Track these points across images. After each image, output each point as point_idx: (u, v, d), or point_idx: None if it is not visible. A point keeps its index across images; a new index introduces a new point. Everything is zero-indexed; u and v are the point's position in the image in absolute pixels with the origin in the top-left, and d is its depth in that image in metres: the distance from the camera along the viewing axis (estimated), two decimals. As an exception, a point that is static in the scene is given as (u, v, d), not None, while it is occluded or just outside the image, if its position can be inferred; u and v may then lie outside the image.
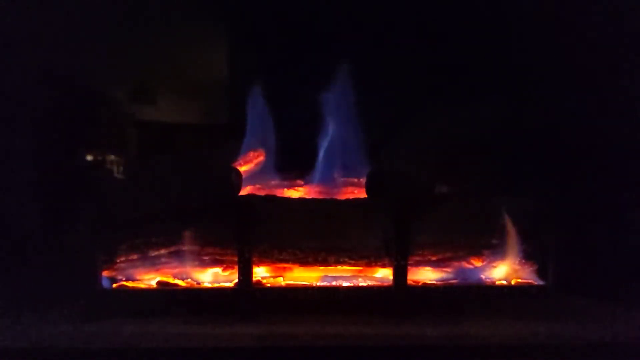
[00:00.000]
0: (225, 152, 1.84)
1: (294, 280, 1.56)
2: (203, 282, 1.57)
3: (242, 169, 1.75)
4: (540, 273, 1.59)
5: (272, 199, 1.62)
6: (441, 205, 1.61)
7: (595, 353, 1.23)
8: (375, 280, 1.57)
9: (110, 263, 1.54)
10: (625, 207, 1.82)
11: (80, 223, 1.62)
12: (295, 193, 1.79)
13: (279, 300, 1.47)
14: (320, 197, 1.74)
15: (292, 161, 1.82)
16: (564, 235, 1.60)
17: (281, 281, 1.56)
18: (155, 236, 1.55)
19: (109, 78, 2.15)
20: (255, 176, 1.79)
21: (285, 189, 1.78)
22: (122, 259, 1.55)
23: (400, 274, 1.46)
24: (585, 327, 1.35)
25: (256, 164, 1.81)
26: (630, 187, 1.81)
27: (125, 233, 1.56)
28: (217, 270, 1.55)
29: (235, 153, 1.79)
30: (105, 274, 1.53)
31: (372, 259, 1.53)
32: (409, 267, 1.47)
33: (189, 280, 1.57)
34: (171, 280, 1.55)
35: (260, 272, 1.56)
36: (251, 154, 1.81)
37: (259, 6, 2.07)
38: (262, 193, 1.69)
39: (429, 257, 1.55)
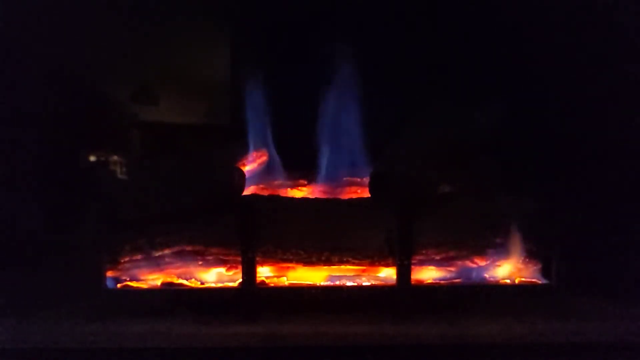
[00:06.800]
0: (228, 152, 1.84)
1: (297, 280, 1.56)
2: (207, 282, 1.57)
3: (246, 169, 1.75)
4: (545, 272, 1.59)
5: (276, 199, 1.62)
6: (445, 205, 1.61)
7: (600, 352, 1.23)
8: (379, 280, 1.57)
9: (114, 263, 1.55)
10: (630, 206, 1.82)
11: (85, 223, 1.63)
12: (298, 193, 1.79)
13: (283, 300, 1.47)
14: (324, 196, 1.74)
15: (296, 161, 1.81)
16: (568, 234, 1.59)
17: (285, 281, 1.56)
18: (159, 236, 1.55)
19: (113, 78, 2.15)
20: (258, 176, 1.79)
21: (289, 189, 1.79)
22: (127, 259, 1.55)
23: (403, 273, 1.46)
24: (590, 326, 1.35)
25: (259, 164, 1.81)
26: (635, 185, 1.81)
27: (130, 233, 1.56)
28: (221, 270, 1.55)
29: (238, 153, 1.80)
30: (109, 274, 1.54)
31: (375, 259, 1.53)
32: (412, 267, 1.47)
33: (193, 280, 1.57)
34: (175, 280, 1.56)
35: (264, 272, 1.56)
36: (254, 154, 1.81)
37: (261, 5, 2.07)
38: (266, 193, 1.70)
39: (433, 256, 1.55)
